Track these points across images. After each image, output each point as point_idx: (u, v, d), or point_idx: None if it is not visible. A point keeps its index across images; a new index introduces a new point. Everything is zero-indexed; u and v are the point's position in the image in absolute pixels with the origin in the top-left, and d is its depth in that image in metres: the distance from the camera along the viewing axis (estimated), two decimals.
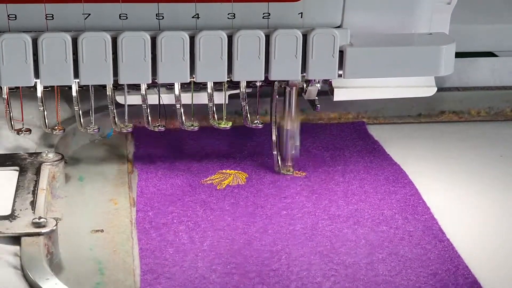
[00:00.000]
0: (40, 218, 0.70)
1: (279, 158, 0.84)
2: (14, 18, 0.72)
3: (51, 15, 0.73)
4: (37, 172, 0.79)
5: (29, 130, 0.80)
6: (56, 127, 0.81)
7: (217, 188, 0.81)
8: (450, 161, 0.88)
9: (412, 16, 0.78)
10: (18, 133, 0.80)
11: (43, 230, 0.69)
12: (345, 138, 0.93)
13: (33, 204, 0.73)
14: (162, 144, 0.90)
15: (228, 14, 0.74)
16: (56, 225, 0.70)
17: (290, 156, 0.83)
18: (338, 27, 0.76)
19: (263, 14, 0.74)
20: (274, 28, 0.74)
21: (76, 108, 0.80)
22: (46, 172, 0.79)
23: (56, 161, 0.81)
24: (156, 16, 0.74)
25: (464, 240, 0.73)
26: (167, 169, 0.84)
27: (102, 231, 0.74)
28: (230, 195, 0.80)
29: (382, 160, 0.87)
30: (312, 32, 0.73)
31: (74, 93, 0.79)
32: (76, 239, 0.73)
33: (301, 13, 0.75)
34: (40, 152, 0.82)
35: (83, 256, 0.71)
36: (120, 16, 0.73)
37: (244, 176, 0.84)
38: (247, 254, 0.71)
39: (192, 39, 0.73)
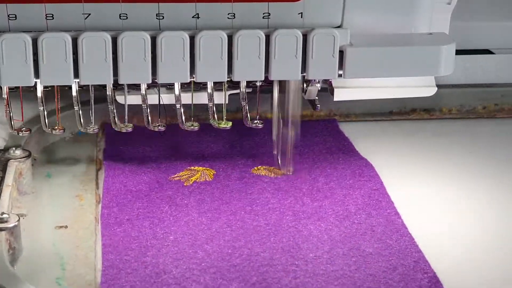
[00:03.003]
0: (2, 213, 0.70)
1: (279, 158, 0.84)
2: (14, 18, 0.73)
3: (51, 15, 0.73)
4: (4, 169, 0.79)
5: (29, 130, 0.81)
6: (56, 127, 0.81)
7: (185, 184, 0.82)
8: (419, 158, 0.89)
9: (412, 16, 0.78)
10: (18, 133, 0.80)
11: (5, 226, 0.69)
12: (315, 135, 0.93)
13: None
14: (132, 142, 0.90)
15: (228, 14, 0.74)
16: (19, 220, 0.70)
17: (290, 157, 0.83)
18: (338, 27, 0.76)
19: (263, 14, 0.75)
20: (274, 28, 0.74)
21: (76, 108, 0.80)
22: (12, 168, 0.79)
23: (23, 157, 0.81)
24: (156, 16, 0.74)
25: (426, 236, 0.73)
26: (135, 166, 0.85)
27: (66, 227, 0.75)
28: (197, 191, 0.80)
29: (350, 156, 0.87)
30: (312, 32, 0.74)
31: (74, 93, 0.79)
32: (39, 235, 0.73)
33: (301, 13, 0.75)
34: (8, 149, 0.82)
35: (45, 252, 0.71)
36: (120, 16, 0.74)
37: (211, 173, 0.84)
38: (209, 249, 0.71)
39: (192, 39, 0.73)
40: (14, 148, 0.82)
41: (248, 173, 0.84)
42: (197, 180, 0.82)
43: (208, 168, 0.85)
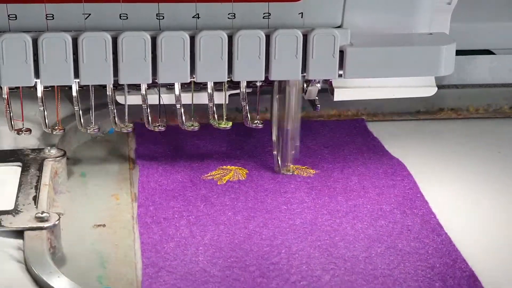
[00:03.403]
0: (43, 212, 0.71)
1: (279, 158, 0.85)
2: (14, 18, 0.73)
3: (51, 15, 0.73)
4: (40, 168, 0.80)
5: (29, 130, 0.81)
6: (56, 127, 0.82)
7: (218, 183, 0.82)
8: (448, 157, 0.89)
9: (412, 16, 0.78)
10: (18, 133, 0.81)
11: (46, 225, 0.70)
12: (344, 135, 0.94)
13: (36, 199, 0.74)
14: (163, 141, 0.91)
15: (228, 14, 0.75)
16: (59, 219, 0.71)
17: (290, 156, 0.84)
18: (338, 27, 0.76)
19: (263, 14, 0.75)
20: (274, 28, 0.74)
21: (76, 108, 0.80)
22: (48, 167, 0.80)
23: (58, 157, 0.82)
24: (156, 16, 0.74)
25: (461, 234, 0.74)
26: (168, 165, 0.85)
27: (104, 225, 0.75)
28: (231, 190, 0.81)
29: (381, 155, 0.88)
30: (312, 32, 0.74)
31: (74, 93, 0.79)
32: (78, 234, 0.74)
33: (301, 13, 0.75)
34: (43, 148, 0.83)
35: (85, 250, 0.72)
36: (120, 16, 0.74)
37: (244, 172, 0.84)
38: (247, 248, 0.71)
39: (192, 39, 0.73)
40: (49, 147, 0.83)
41: (281, 172, 0.84)
42: (231, 179, 0.83)
43: (240, 167, 0.85)
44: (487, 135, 0.95)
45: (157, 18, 0.74)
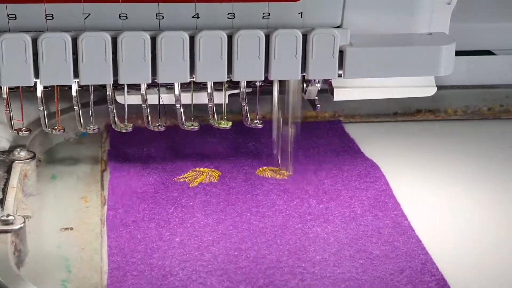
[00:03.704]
0: (8, 215, 0.70)
1: (279, 158, 0.84)
2: (14, 18, 0.72)
3: (51, 15, 0.73)
4: (8, 170, 0.79)
5: (29, 130, 0.81)
6: (56, 127, 0.81)
7: (190, 186, 0.81)
8: (424, 159, 0.88)
9: (412, 16, 0.78)
10: (18, 133, 0.80)
11: (11, 228, 0.69)
12: (320, 137, 0.93)
13: (2, 202, 0.73)
14: (137, 143, 0.90)
15: (228, 14, 0.74)
16: (24, 222, 0.70)
17: (290, 156, 0.83)
18: (338, 27, 0.76)
19: (263, 14, 0.75)
20: (274, 28, 0.74)
21: (76, 108, 0.80)
22: (17, 169, 0.79)
23: (28, 159, 0.81)
24: (156, 16, 0.74)
25: (433, 237, 0.73)
26: (140, 168, 0.84)
27: (71, 229, 0.74)
28: (202, 192, 0.80)
29: (355, 157, 0.87)
30: (312, 32, 0.73)
31: (74, 93, 0.79)
32: (45, 237, 0.73)
33: (301, 13, 0.75)
34: (12, 150, 0.82)
35: (51, 254, 0.71)
36: (120, 16, 0.73)
37: (217, 174, 0.84)
38: (215, 251, 0.71)
39: (192, 39, 0.73)
40: (19, 150, 0.82)
41: (254, 175, 0.83)
42: (203, 182, 0.82)
43: (213, 170, 0.84)
44: (464, 137, 0.94)
45: (157, 18, 0.74)
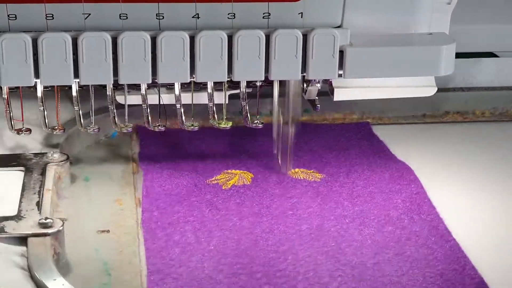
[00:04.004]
0: (46, 218, 0.70)
1: (279, 157, 0.84)
2: (14, 18, 0.72)
3: (51, 15, 0.73)
4: (43, 173, 0.79)
5: (29, 130, 0.80)
6: (56, 127, 0.81)
7: (223, 188, 0.81)
8: (455, 161, 0.88)
9: (412, 16, 0.78)
10: (18, 133, 0.80)
11: (49, 231, 0.69)
12: (349, 139, 0.93)
13: (39, 204, 0.73)
14: (167, 144, 0.90)
15: (228, 14, 0.74)
16: (63, 225, 0.70)
17: (290, 156, 0.83)
18: (338, 27, 0.76)
19: (263, 14, 0.74)
20: (274, 28, 0.74)
21: (76, 108, 0.80)
22: (51, 172, 0.79)
23: (61, 161, 0.81)
24: (156, 16, 0.74)
25: (470, 240, 0.73)
26: (172, 169, 0.84)
27: (108, 231, 0.74)
28: (236, 195, 0.80)
29: (387, 159, 0.87)
30: (312, 32, 0.73)
31: (74, 93, 0.79)
32: (82, 240, 0.73)
33: (301, 13, 0.75)
34: (46, 153, 0.82)
35: (89, 257, 0.71)
36: (120, 16, 0.73)
37: (249, 176, 0.84)
38: (254, 254, 0.71)
39: (192, 39, 0.73)
40: (52, 152, 0.82)
41: (286, 176, 0.83)
42: (236, 184, 0.82)
43: (245, 171, 0.84)
44: (493, 138, 0.94)
45: (157, 18, 0.74)
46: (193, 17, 0.74)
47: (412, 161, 0.86)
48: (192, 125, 0.82)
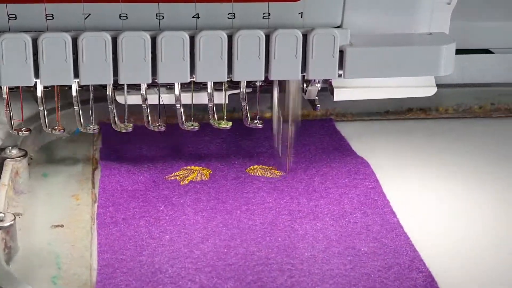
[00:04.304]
0: None
1: (279, 151, 0.84)
2: (14, 18, 0.73)
3: (51, 15, 0.73)
4: (0, 168, 0.79)
5: (29, 130, 0.81)
6: (56, 127, 0.81)
7: (181, 184, 0.82)
8: (415, 157, 0.89)
9: (412, 16, 0.78)
10: (18, 133, 0.81)
11: (1, 225, 0.69)
12: (312, 135, 0.93)
13: None
14: (129, 141, 0.90)
15: (228, 14, 0.75)
16: (14, 219, 0.70)
17: (289, 155, 0.83)
18: (338, 27, 0.76)
19: (263, 14, 0.75)
20: (274, 28, 0.74)
21: (76, 108, 0.80)
22: (9, 167, 0.79)
23: (19, 157, 0.81)
24: (156, 16, 0.74)
25: (421, 234, 0.73)
26: (132, 166, 0.85)
27: (62, 226, 0.75)
28: (193, 190, 0.80)
29: (346, 155, 0.87)
30: (312, 32, 0.74)
31: (74, 93, 0.79)
32: (35, 234, 0.73)
33: (301, 13, 0.75)
34: (4, 148, 0.82)
35: (41, 251, 0.71)
36: (120, 16, 0.74)
37: (208, 172, 0.84)
38: (205, 248, 0.71)
39: (192, 39, 0.73)
40: (10, 148, 0.82)
41: (244, 173, 0.84)
42: (193, 180, 0.82)
43: (204, 168, 0.85)
44: (455, 135, 0.94)
45: (157, 18, 0.74)
46: (193, 17, 0.74)
47: (371, 157, 0.87)
48: (192, 125, 0.82)
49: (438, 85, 0.96)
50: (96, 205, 0.78)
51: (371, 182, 0.81)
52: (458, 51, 0.97)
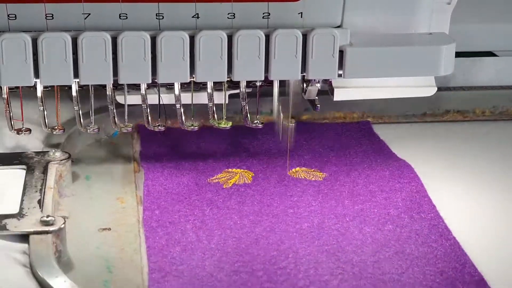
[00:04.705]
0: (48, 216, 0.71)
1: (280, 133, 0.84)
2: (14, 18, 0.73)
3: (51, 15, 0.73)
4: (44, 171, 0.79)
5: (29, 130, 0.81)
6: (56, 127, 0.81)
7: (224, 187, 0.82)
8: (455, 160, 0.89)
9: (412, 16, 0.78)
10: (18, 133, 0.80)
11: (51, 228, 0.70)
12: (350, 138, 0.93)
13: (40, 202, 0.74)
14: (168, 143, 0.90)
15: (228, 14, 0.75)
16: (64, 223, 0.70)
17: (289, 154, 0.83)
18: (338, 27, 0.76)
19: (263, 14, 0.75)
20: (274, 28, 0.74)
21: (76, 108, 0.80)
22: (53, 170, 0.79)
23: (63, 159, 0.81)
24: (156, 16, 0.74)
25: (469, 238, 0.73)
26: (174, 168, 0.85)
27: (109, 229, 0.75)
28: (237, 193, 0.80)
29: (387, 158, 0.87)
30: (312, 32, 0.74)
31: (74, 93, 0.79)
32: (83, 238, 0.73)
33: (301, 13, 0.75)
34: (47, 151, 0.82)
35: (90, 254, 0.71)
36: (120, 16, 0.74)
37: (250, 175, 0.84)
38: (254, 252, 0.71)
39: (192, 39, 0.73)
40: (53, 150, 0.82)
41: (287, 175, 0.84)
42: (236, 183, 0.82)
43: (246, 170, 0.85)
44: (493, 137, 0.94)
45: (156, 18, 0.74)
46: (193, 17, 0.74)
47: (412, 160, 0.87)
48: (192, 125, 0.82)
49: (474, 87, 0.97)
50: (141, 208, 0.78)
51: (416, 186, 0.81)
52: (491, 54, 0.98)
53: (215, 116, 0.81)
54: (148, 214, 0.76)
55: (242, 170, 0.85)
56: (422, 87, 0.86)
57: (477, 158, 0.89)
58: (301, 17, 0.75)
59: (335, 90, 0.85)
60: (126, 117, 0.82)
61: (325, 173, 0.84)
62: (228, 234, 0.74)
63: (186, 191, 0.81)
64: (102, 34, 0.72)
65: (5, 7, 0.72)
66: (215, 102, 0.80)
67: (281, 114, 0.83)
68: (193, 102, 0.83)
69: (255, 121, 0.82)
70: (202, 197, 0.80)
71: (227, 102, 0.82)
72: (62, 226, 0.70)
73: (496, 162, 0.88)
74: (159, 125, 0.82)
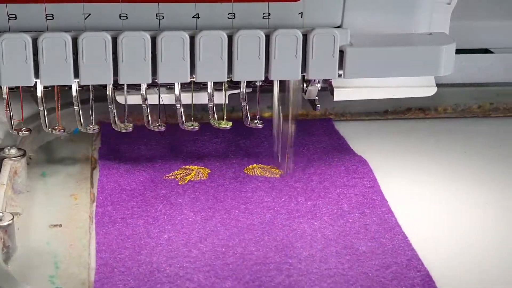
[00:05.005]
0: None
1: (279, 155, 0.84)
2: (14, 18, 0.73)
3: (51, 15, 0.73)
4: None
5: (29, 130, 0.81)
6: (56, 127, 0.81)
7: (179, 183, 0.82)
8: (414, 157, 0.89)
9: (412, 16, 0.78)
10: (18, 133, 0.81)
11: None
12: (311, 134, 0.93)
13: None
14: (128, 141, 0.90)
15: (228, 14, 0.75)
16: (13, 219, 0.70)
17: (289, 154, 0.83)
18: (338, 27, 0.76)
19: (263, 14, 0.75)
20: (274, 28, 0.74)
21: (76, 108, 0.80)
22: (7, 167, 0.79)
23: (17, 156, 0.81)
24: (156, 16, 0.74)
25: (419, 234, 0.73)
26: (130, 165, 0.85)
27: (60, 225, 0.75)
28: (191, 190, 0.80)
29: (344, 154, 0.88)
30: (312, 32, 0.74)
31: (74, 93, 0.79)
32: (34, 234, 0.73)
33: (301, 13, 0.75)
34: (3, 148, 0.82)
35: (39, 250, 0.71)
36: (120, 16, 0.74)
37: (206, 172, 0.84)
38: (203, 248, 0.71)
39: (192, 39, 0.73)
40: (9, 147, 0.82)
41: (243, 172, 0.84)
42: (192, 179, 0.83)
43: (203, 167, 0.85)
44: (453, 135, 0.94)
45: (157, 18, 0.74)
46: (193, 17, 0.74)
47: (369, 156, 0.87)
48: (192, 125, 0.82)
49: (437, 85, 0.97)
50: (94, 204, 0.78)
51: (369, 181, 0.81)
52: (458, 51, 0.98)
53: (215, 116, 0.81)
54: (100, 211, 0.76)
55: (198, 167, 0.85)
56: (422, 87, 0.87)
57: (435, 154, 0.89)
58: (301, 17, 0.75)
59: (335, 90, 0.86)
60: (126, 117, 0.82)
61: (281, 170, 0.84)
62: (178, 229, 0.74)
63: (141, 187, 0.81)
64: (102, 34, 0.72)
65: (5, 7, 0.72)
66: (215, 102, 0.80)
67: (281, 114, 0.83)
68: (193, 102, 0.83)
69: (255, 121, 0.82)
70: (156, 193, 0.80)
71: (227, 102, 0.83)
72: (11, 222, 0.70)
73: (453, 159, 0.88)
74: (159, 125, 0.82)
